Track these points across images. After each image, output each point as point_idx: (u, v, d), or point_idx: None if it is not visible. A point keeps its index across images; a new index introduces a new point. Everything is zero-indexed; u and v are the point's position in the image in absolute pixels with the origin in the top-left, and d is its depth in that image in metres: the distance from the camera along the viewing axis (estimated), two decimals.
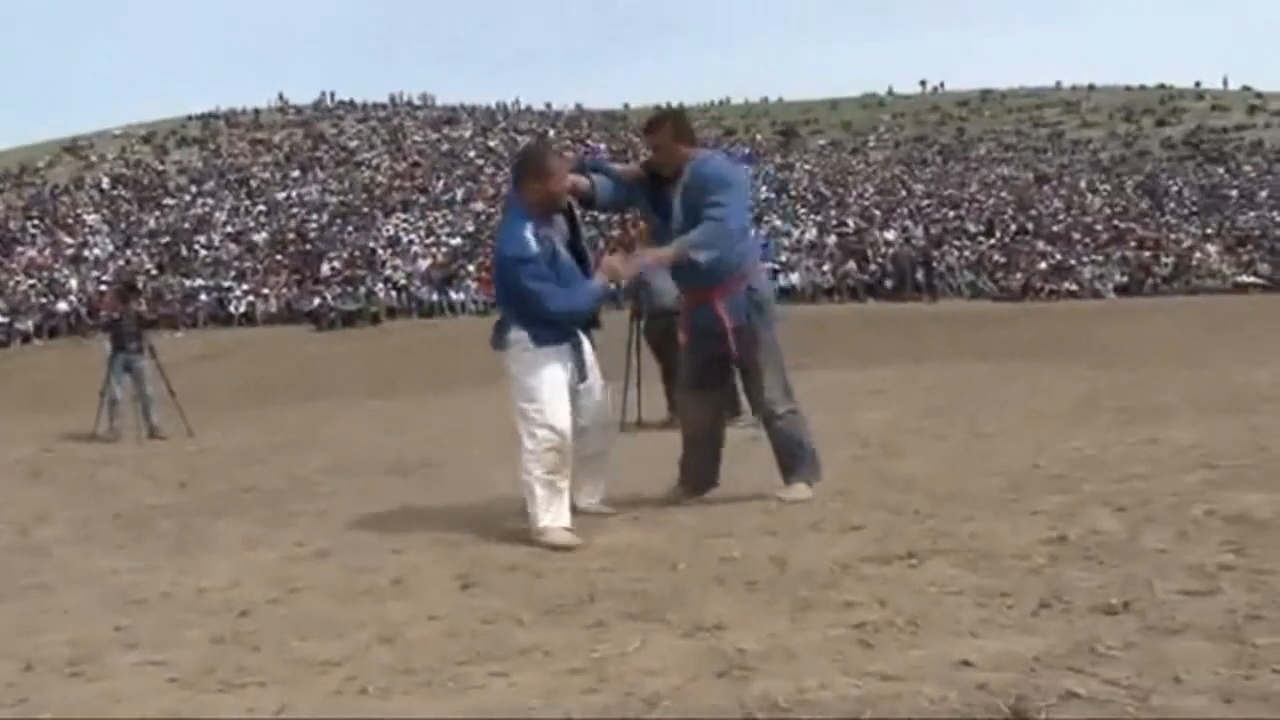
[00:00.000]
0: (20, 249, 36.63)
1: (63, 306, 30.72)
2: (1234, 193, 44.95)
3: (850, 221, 39.79)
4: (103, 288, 31.51)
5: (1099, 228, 39.98)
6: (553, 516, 4.49)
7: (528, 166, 4.74)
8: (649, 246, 5.14)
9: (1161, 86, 61.41)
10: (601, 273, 4.73)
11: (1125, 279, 34.90)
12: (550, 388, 4.56)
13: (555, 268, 4.56)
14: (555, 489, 4.53)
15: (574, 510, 4.68)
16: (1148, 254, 36.62)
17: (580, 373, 4.70)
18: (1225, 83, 61.06)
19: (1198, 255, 36.80)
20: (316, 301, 31.75)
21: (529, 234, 4.53)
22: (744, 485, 5.15)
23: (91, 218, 40.14)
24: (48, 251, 36.38)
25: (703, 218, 4.67)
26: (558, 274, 4.56)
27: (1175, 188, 45.78)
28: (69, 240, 37.59)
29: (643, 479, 5.12)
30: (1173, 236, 38.98)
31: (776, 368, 4.96)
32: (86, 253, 36.42)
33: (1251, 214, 42.11)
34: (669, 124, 4.89)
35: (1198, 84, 61.00)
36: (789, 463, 5.00)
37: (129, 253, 36.52)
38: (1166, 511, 4.10)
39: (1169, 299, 31.22)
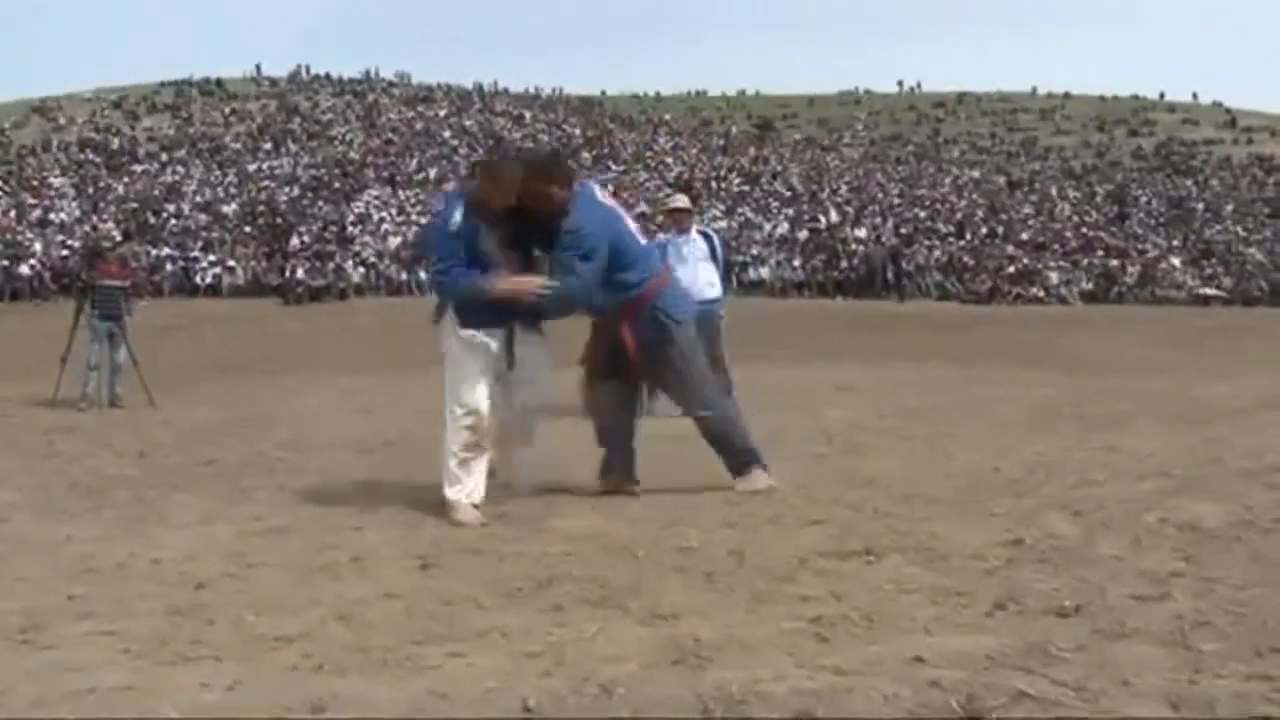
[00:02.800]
0: None
1: (25, 270, 30.31)
2: (1200, 206, 45.47)
3: (822, 218, 39.91)
4: (65, 253, 31.15)
5: (1068, 234, 40.33)
6: (461, 492, 4.71)
7: (485, 171, 5.05)
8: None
9: (1135, 98, 62.02)
10: (501, 281, 4.78)
11: (1091, 286, 35.24)
12: (471, 368, 4.78)
13: (470, 250, 4.75)
14: (467, 466, 4.75)
15: (506, 487, 4.96)
16: (1114, 263, 36.98)
17: (510, 355, 4.83)
18: (1195, 97, 61.72)
19: (1163, 266, 37.21)
20: (285, 275, 31.50)
21: (457, 214, 4.79)
22: (705, 477, 5.17)
23: (59, 181, 39.60)
24: (12, 213, 35.87)
25: (566, 270, 4.76)
26: (471, 258, 4.75)
27: (1144, 199, 46.24)
28: (34, 202, 37.07)
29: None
30: (1139, 247, 39.39)
31: (690, 378, 5.06)
32: (52, 216, 35.93)
33: (1216, 228, 42.64)
34: (539, 171, 4.91)
35: (1162, 95, 61.60)
36: (733, 462, 5.09)
37: (95, 218, 36.06)
38: (1121, 518, 4.15)
39: (1133, 308, 31.56)
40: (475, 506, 4.69)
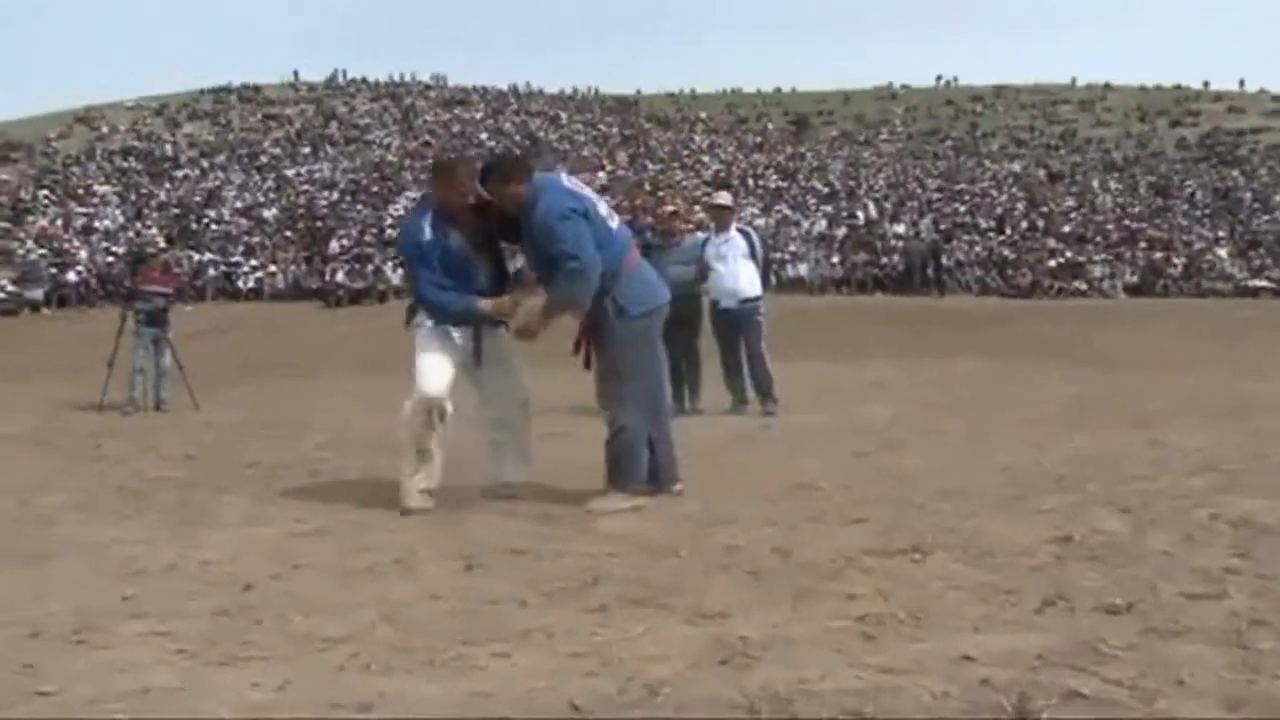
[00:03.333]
0: (31, 218, 36.62)
1: (71, 276, 30.72)
2: (1248, 196, 44.76)
3: (860, 214, 39.68)
4: (110, 259, 31.55)
5: (1110, 227, 39.84)
6: (414, 477, 4.88)
7: (438, 170, 5.28)
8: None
9: (1177, 87, 61.12)
10: (491, 303, 4.96)
11: (1136, 279, 34.79)
12: (432, 359, 4.93)
13: (444, 260, 4.89)
14: (421, 453, 4.90)
15: (504, 491, 5.02)
16: (1159, 255, 36.49)
17: (478, 353, 5.00)
18: (1242, 84, 60.75)
19: (1208, 258, 36.68)
20: (325, 278, 31.73)
21: (426, 224, 4.91)
22: (750, 472, 5.16)
23: (102, 188, 40.11)
24: (59, 221, 36.36)
25: (556, 265, 4.74)
26: (445, 267, 4.89)
27: (1189, 189, 45.60)
28: (80, 210, 37.58)
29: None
30: (1184, 238, 38.84)
31: (611, 373, 4.94)
32: (97, 223, 36.41)
33: (1265, 218, 41.94)
34: (495, 174, 4.95)
35: (1206, 83, 60.68)
36: (608, 473, 4.94)
37: (139, 224, 36.50)
38: (1170, 514, 4.10)
39: (1177, 301, 31.14)
40: (428, 493, 4.86)
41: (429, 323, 4.97)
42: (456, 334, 4.98)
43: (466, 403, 5.15)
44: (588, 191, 5.13)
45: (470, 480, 5.17)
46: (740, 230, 9.00)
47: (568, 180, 5.21)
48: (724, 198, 9.62)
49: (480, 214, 4.97)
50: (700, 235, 9.18)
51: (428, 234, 4.89)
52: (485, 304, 4.95)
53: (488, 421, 5.23)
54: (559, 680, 2.56)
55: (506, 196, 4.85)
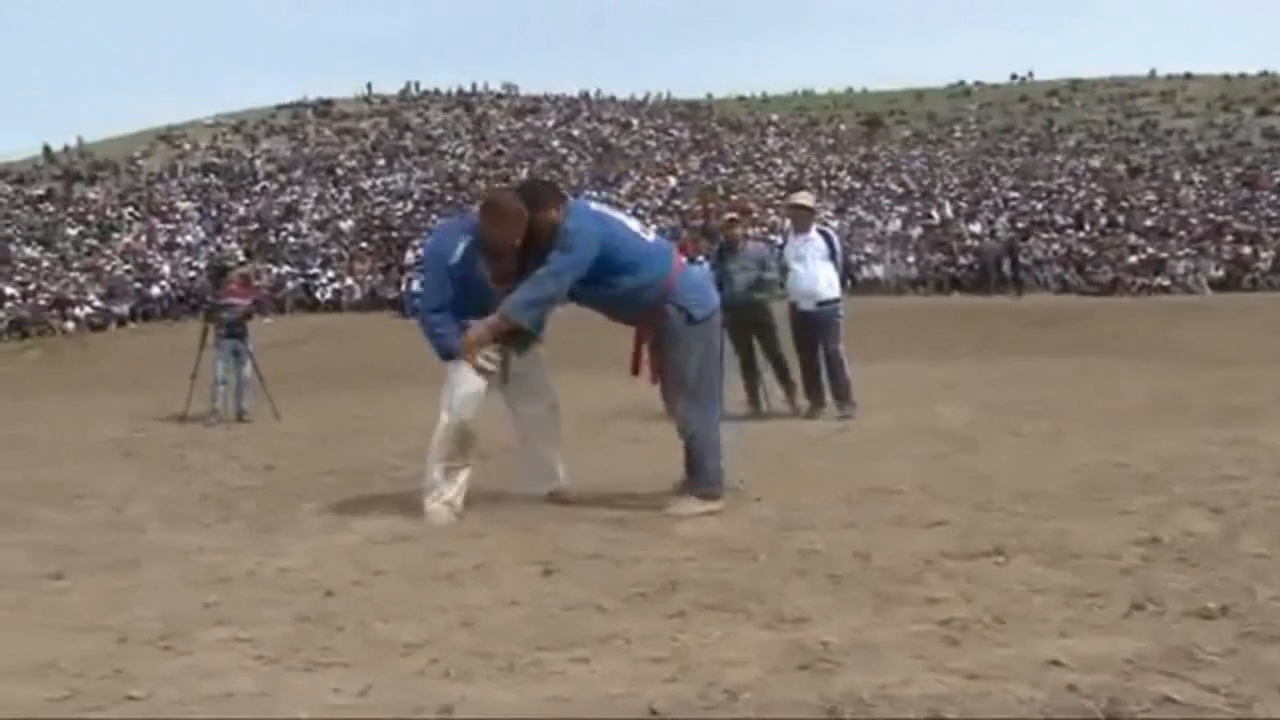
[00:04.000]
0: (117, 235, 37.62)
1: (155, 291, 31.48)
2: None
3: (935, 213, 39.22)
4: (192, 273, 32.27)
5: (1193, 221, 38.89)
6: (439, 499, 4.87)
7: (492, 212, 4.95)
8: None
9: (1264, 74, 59.45)
10: (469, 335, 4.88)
11: (1221, 274, 33.90)
12: (464, 382, 4.92)
13: (463, 284, 4.88)
14: (448, 473, 4.92)
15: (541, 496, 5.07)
16: (1246, 249, 35.52)
17: (505, 370, 5.03)
18: None
19: None
20: (400, 288, 32.13)
21: (461, 247, 4.87)
22: (827, 475, 5.11)
23: (184, 205, 41.06)
24: (143, 238, 37.31)
25: (596, 277, 4.78)
26: (466, 293, 4.87)
27: (1276, 179, 44.31)
28: (163, 227, 38.51)
29: (729, 466, 5.07)
30: (1272, 230, 37.76)
31: (684, 381, 4.91)
32: (179, 239, 37.28)
33: None
34: (530, 200, 4.90)
35: None
36: (690, 478, 4.94)
37: (219, 239, 37.31)
38: (1264, 514, 3.97)
39: (1266, 296, 30.27)
40: (450, 505, 4.87)
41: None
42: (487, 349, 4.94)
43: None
44: (616, 213, 5.25)
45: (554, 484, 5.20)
46: (820, 231, 8.89)
47: (595, 205, 5.31)
48: (803, 198, 9.47)
49: (520, 251, 4.93)
50: (763, 243, 9.09)
51: (458, 256, 4.87)
52: (470, 335, 4.88)
53: (518, 427, 5.31)
54: (638, 685, 2.55)
55: (542, 222, 4.85)
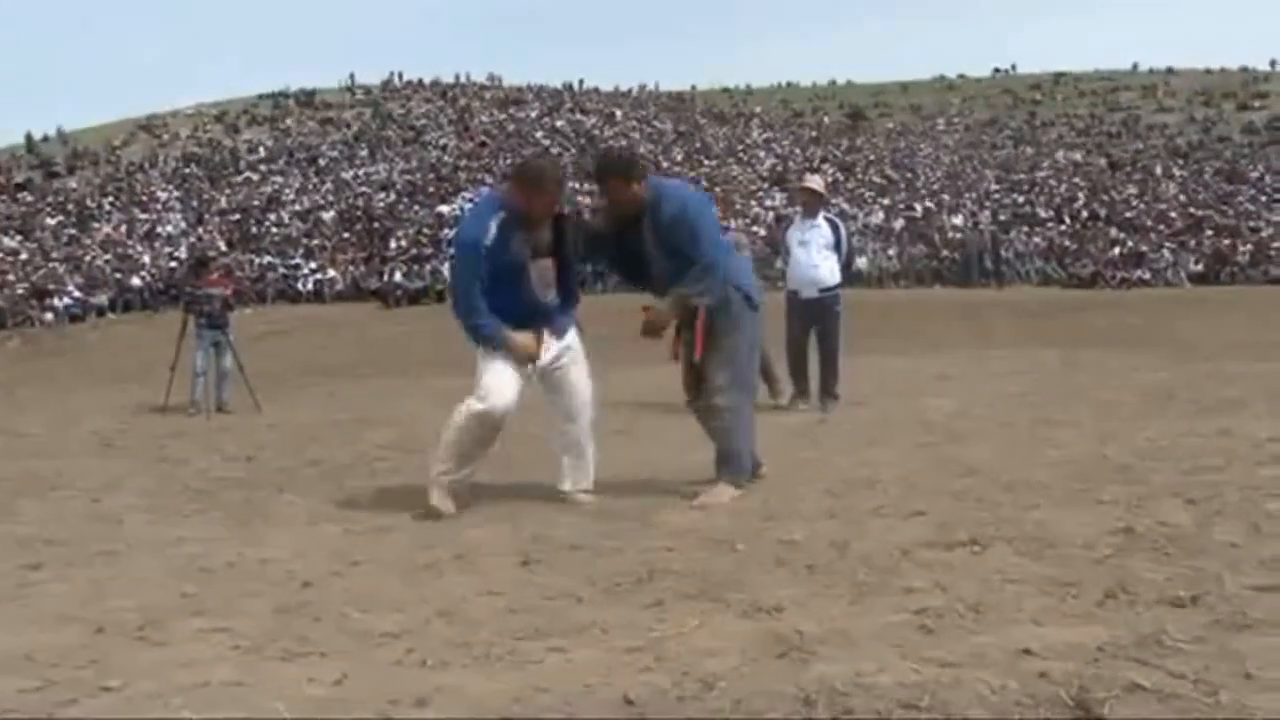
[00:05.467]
0: (97, 225, 37.43)
1: (136, 281, 31.34)
2: None
3: (918, 206, 39.34)
4: (173, 264, 32.13)
5: (1174, 215, 39.11)
6: (446, 477, 4.77)
7: (524, 175, 4.87)
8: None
9: (1244, 69, 59.76)
10: (515, 343, 4.82)
11: (1201, 268, 34.11)
12: (500, 372, 4.78)
13: (496, 266, 4.70)
14: (465, 457, 4.81)
15: (560, 497, 4.90)
16: (1225, 242, 35.73)
17: (543, 360, 4.87)
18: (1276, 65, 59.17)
19: (1277, 244, 35.84)
20: (383, 279, 32.08)
21: (493, 226, 4.67)
22: (811, 466, 5.13)
23: (164, 194, 40.86)
24: (123, 228, 37.12)
25: (689, 259, 4.73)
26: (496, 274, 4.70)
27: (1255, 174, 44.58)
28: (143, 217, 38.32)
29: (709, 458, 5.08)
30: (1251, 225, 38.00)
31: (730, 363, 4.90)
32: (160, 229, 37.11)
33: None
34: (614, 175, 4.89)
35: (1274, 63, 59.21)
36: (718, 460, 4.94)
37: (200, 229, 37.15)
38: (1238, 505, 4.01)
39: (1245, 289, 30.47)
40: (453, 497, 4.75)
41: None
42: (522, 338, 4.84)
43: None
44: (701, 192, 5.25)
45: (526, 478, 5.19)
46: (828, 219, 8.71)
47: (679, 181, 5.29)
48: (813, 181, 9.20)
49: (555, 222, 4.89)
50: (744, 235, 9.05)
51: (492, 237, 4.67)
52: (514, 341, 4.83)
53: (551, 421, 5.08)
54: (614, 675, 2.56)
55: (627, 197, 4.81)
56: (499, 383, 4.77)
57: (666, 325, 4.89)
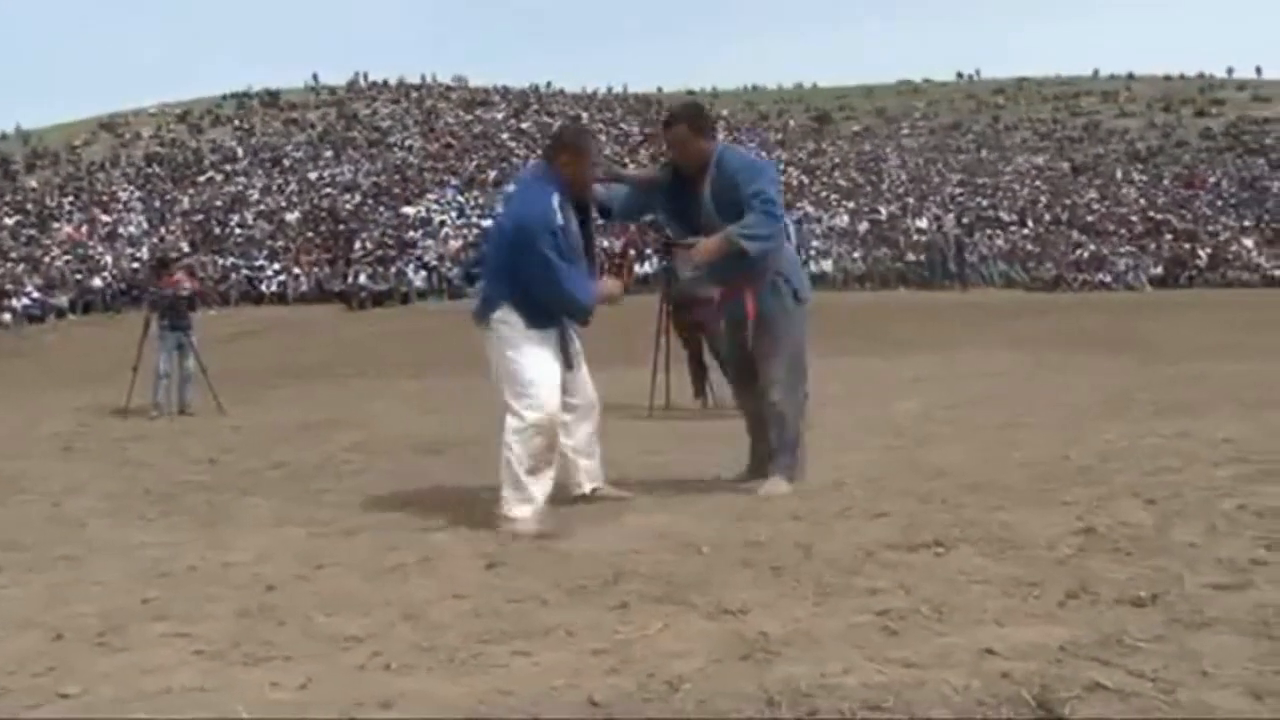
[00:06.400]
0: (57, 225, 37.02)
1: (97, 282, 31.02)
2: (1275, 185, 44.33)
3: (882, 209, 39.59)
4: (134, 264, 31.83)
5: (1134, 219, 39.59)
6: (532, 508, 4.43)
7: (565, 142, 4.73)
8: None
9: (1201, 76, 60.57)
10: (601, 288, 4.72)
11: (1160, 271, 34.56)
12: (543, 370, 4.52)
13: (565, 243, 4.48)
14: (538, 476, 4.46)
15: (585, 497, 4.79)
16: (1185, 246, 36.21)
17: (567, 360, 4.66)
18: (1259, 71, 60.06)
19: (1234, 248, 36.38)
20: (347, 281, 31.91)
21: (555, 204, 4.45)
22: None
23: (126, 195, 40.47)
24: (84, 228, 36.73)
25: (748, 208, 4.60)
26: (561, 252, 4.46)
27: (1213, 179, 45.20)
28: (105, 217, 37.93)
29: (675, 460, 5.10)
30: (1209, 229, 38.53)
31: (785, 356, 4.89)
32: (121, 229, 36.75)
33: None
34: (685, 120, 4.86)
35: (1230, 71, 60.05)
36: (773, 455, 4.95)
37: (163, 230, 36.81)
38: (1197, 505, 4.06)
39: (1204, 292, 30.88)
40: (538, 516, 4.42)
41: (520, 323, 4.53)
42: (554, 340, 4.59)
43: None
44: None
45: (492, 480, 5.17)
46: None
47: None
48: None
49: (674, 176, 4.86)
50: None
51: (559, 216, 4.42)
52: (601, 289, 4.70)
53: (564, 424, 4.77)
54: (579, 677, 2.56)
55: (695, 149, 4.75)
56: (545, 382, 4.50)
57: (709, 260, 4.71)
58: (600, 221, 5.10)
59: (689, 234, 4.86)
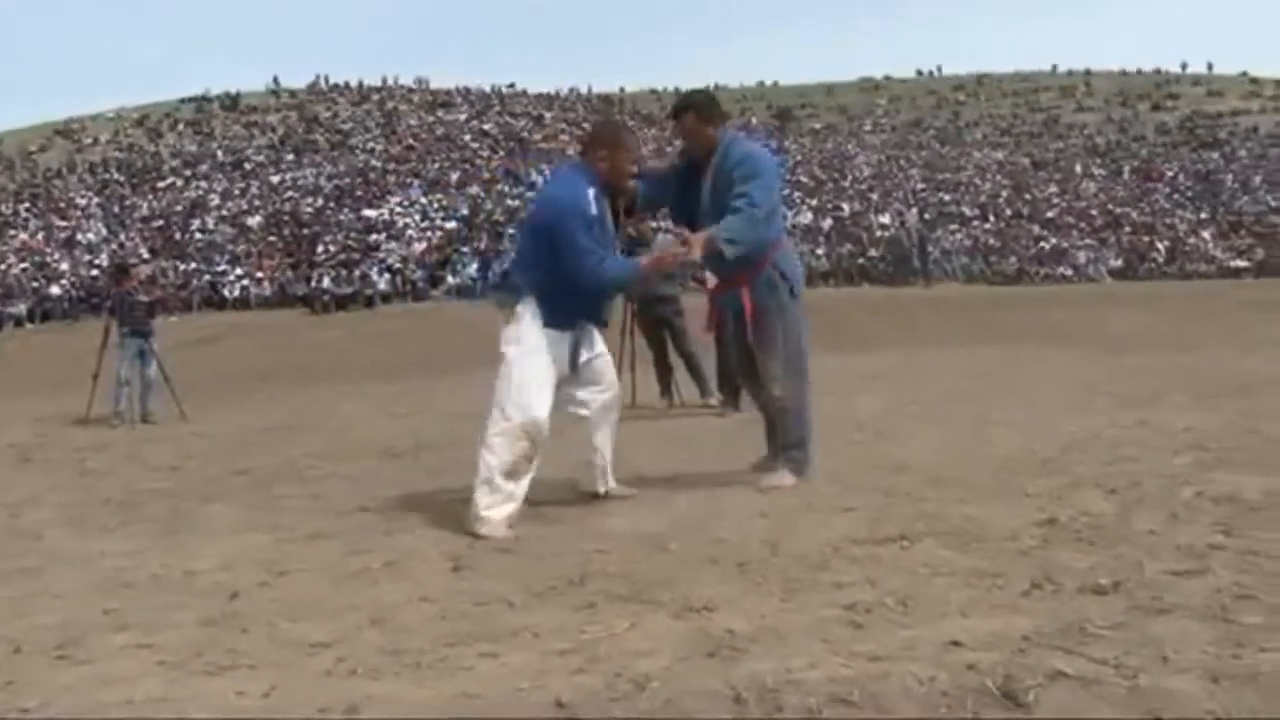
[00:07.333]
0: (13, 232, 36.54)
1: (55, 290, 30.65)
2: (1228, 178, 44.97)
3: (845, 205, 39.77)
4: (94, 272, 31.48)
5: (1094, 212, 40.00)
6: (503, 510, 4.36)
7: (603, 136, 4.78)
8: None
9: (1158, 71, 61.32)
10: (654, 257, 4.75)
11: (1120, 263, 34.94)
12: (540, 376, 4.47)
13: (599, 234, 4.47)
14: (516, 479, 4.41)
15: (596, 495, 4.79)
16: (1144, 239, 36.64)
17: (574, 359, 4.62)
18: (1210, 67, 60.88)
19: (1192, 241, 36.85)
20: (311, 285, 31.71)
21: (591, 195, 4.46)
22: (743, 465, 5.17)
23: (84, 201, 40.01)
24: (40, 235, 36.28)
25: (731, 209, 4.62)
26: (595, 243, 4.44)
27: (1170, 173, 45.78)
28: (62, 224, 37.48)
29: (643, 459, 5.10)
30: (1167, 221, 39.01)
31: (783, 351, 4.91)
32: (79, 236, 36.32)
33: (1245, 199, 42.16)
34: (693, 108, 4.87)
35: (1184, 66, 60.83)
36: (784, 449, 4.98)
37: (122, 236, 36.43)
38: (1157, 493, 4.11)
39: (1163, 284, 31.24)
40: (509, 522, 4.36)
41: (539, 318, 4.49)
42: (564, 343, 4.55)
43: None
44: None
45: (456, 483, 5.15)
46: None
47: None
48: None
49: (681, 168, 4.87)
50: (672, 235, 9.11)
51: (593, 204, 4.43)
52: (645, 261, 4.74)
53: (579, 420, 4.80)
54: (546, 678, 2.55)
55: (702, 137, 4.78)
56: (536, 387, 4.45)
57: (688, 258, 4.68)
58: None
59: (687, 223, 4.87)
